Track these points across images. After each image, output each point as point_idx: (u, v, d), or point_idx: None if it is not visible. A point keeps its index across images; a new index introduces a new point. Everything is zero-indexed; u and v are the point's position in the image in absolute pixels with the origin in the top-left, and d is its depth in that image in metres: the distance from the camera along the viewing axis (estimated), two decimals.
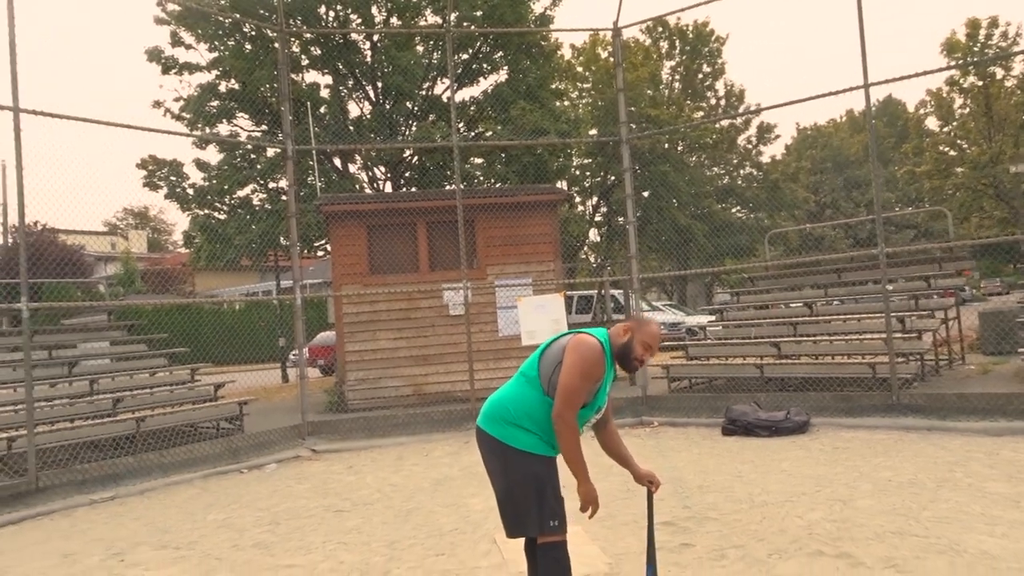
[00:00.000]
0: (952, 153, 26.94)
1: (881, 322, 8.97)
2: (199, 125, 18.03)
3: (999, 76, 24.95)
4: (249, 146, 17.55)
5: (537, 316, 9.65)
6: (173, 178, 18.48)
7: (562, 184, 24.17)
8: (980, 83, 25.04)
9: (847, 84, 8.39)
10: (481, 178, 18.56)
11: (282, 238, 17.70)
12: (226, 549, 5.19)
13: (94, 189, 7.88)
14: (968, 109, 25.91)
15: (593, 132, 24.72)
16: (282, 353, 20.64)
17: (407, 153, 19.03)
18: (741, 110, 31.81)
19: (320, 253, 20.32)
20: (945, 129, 27.50)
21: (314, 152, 11.20)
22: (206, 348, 16.46)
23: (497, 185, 17.29)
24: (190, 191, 18.47)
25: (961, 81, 25.22)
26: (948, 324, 10.97)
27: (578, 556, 4.63)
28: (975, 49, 24.70)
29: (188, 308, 24.92)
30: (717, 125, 29.11)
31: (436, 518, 5.69)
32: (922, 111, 29.27)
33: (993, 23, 24.28)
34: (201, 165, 18.08)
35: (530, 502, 3.13)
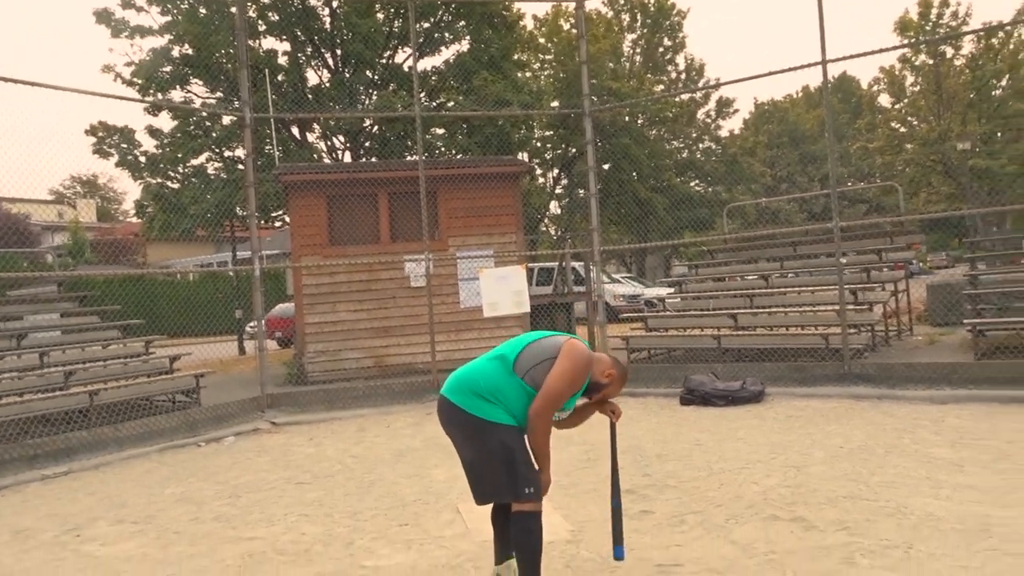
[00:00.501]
0: (903, 130, 27.50)
1: (834, 294, 9.18)
2: (151, 91, 17.54)
3: (949, 55, 25.46)
4: (204, 113, 17.12)
5: (499, 287, 9.66)
6: (124, 145, 17.99)
7: (524, 156, 24.13)
8: (931, 61, 25.53)
9: (805, 60, 8.47)
10: (443, 149, 18.43)
11: (239, 208, 17.39)
12: (185, 522, 5.15)
13: (41, 156, 7.63)
14: (919, 87, 26.42)
15: (555, 104, 24.66)
16: (239, 325, 20.35)
17: (367, 123, 18.77)
18: (701, 84, 32.01)
19: (278, 224, 20.02)
20: (897, 106, 28.03)
21: (272, 120, 10.97)
22: (160, 320, 16.17)
23: (459, 156, 17.17)
24: (142, 159, 18.00)
25: (913, 59, 25.68)
26: (898, 296, 11.28)
27: (544, 524, 4.70)
28: (927, 28, 25.14)
29: (141, 279, 24.40)
30: (677, 99, 29.23)
31: (398, 489, 5.70)
32: (875, 87, 29.72)
33: (944, 2, 24.70)
34: (154, 132, 17.63)
35: (501, 470, 3.18)
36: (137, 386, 9.10)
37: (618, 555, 3.48)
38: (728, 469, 5.67)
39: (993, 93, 25.36)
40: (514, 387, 3.23)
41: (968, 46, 25.11)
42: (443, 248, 11.48)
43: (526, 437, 3.26)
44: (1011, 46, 24.83)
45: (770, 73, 8.71)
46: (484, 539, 4.41)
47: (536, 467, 3.25)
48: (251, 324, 18.21)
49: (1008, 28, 24.57)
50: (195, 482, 6.33)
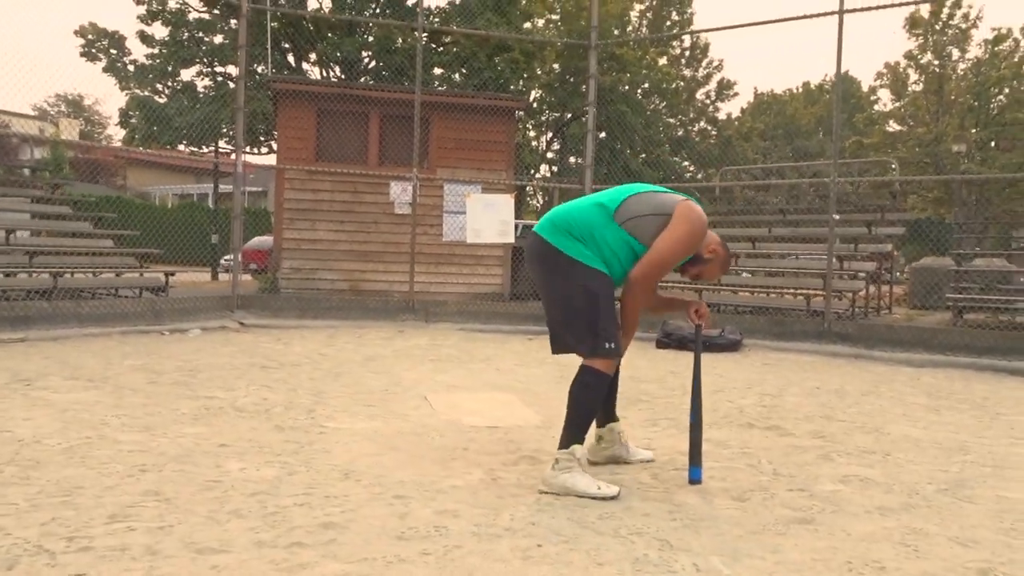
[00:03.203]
0: (901, 129, 27.49)
1: (818, 262, 9.12)
2: None
3: (955, 57, 25.43)
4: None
5: (485, 214, 9.47)
6: (114, 51, 17.47)
7: (519, 114, 23.84)
8: (936, 62, 25.47)
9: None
10: (440, 88, 18.08)
11: (225, 127, 16.97)
12: (142, 384, 4.95)
13: (23, 60, 7.25)
14: (921, 86, 26.37)
15: (556, 66, 24.30)
16: (214, 252, 19.96)
17: (365, 56, 18.37)
18: (704, 63, 31.78)
19: (264, 150, 19.59)
20: (896, 104, 27.99)
21: (268, 30, 10.59)
22: (134, 245, 15.75)
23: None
24: (131, 67, 17.50)
25: (919, 57, 25.60)
26: (881, 273, 11.25)
27: (513, 414, 4.58)
28: (936, 27, 25.05)
29: (118, 201, 23.86)
30: (678, 75, 28.99)
31: (366, 381, 5.54)
32: (878, 82, 29.65)
33: (956, 4, 24.60)
34: (146, 38, 17.10)
35: (583, 317, 2.92)
36: (105, 277, 8.85)
37: (695, 476, 3.13)
38: (704, 391, 5.57)
39: (993, 101, 25.37)
40: (613, 233, 2.94)
41: (975, 50, 25.09)
42: (431, 177, 11.24)
43: (621, 296, 3.02)
44: (1017, 56, 24.83)
45: (781, 20, 8.53)
46: (451, 419, 4.28)
47: (614, 325, 2.97)
48: (227, 257, 17.75)
49: (1017, 37, 24.61)
50: (156, 359, 6.12)
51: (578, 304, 2.93)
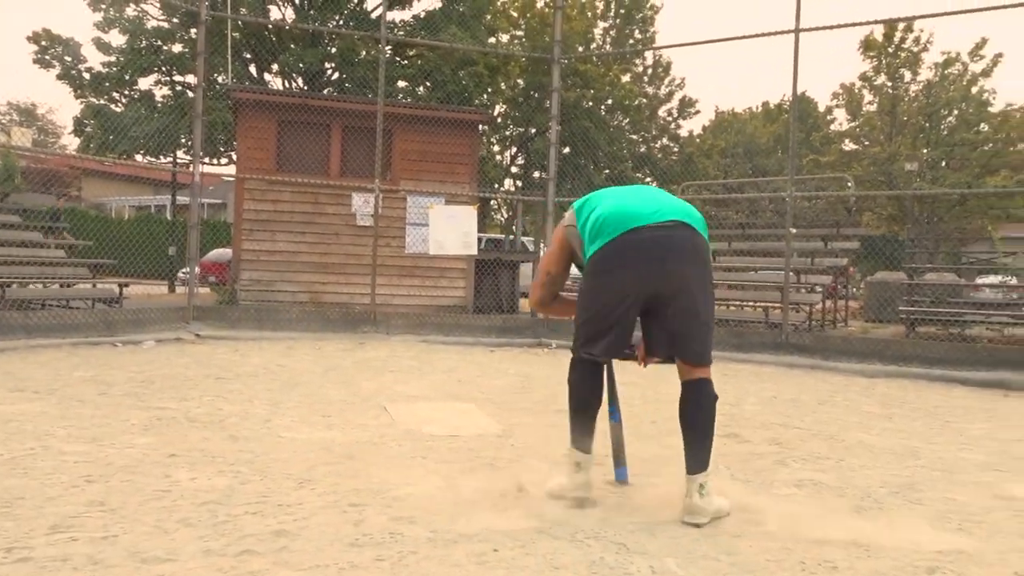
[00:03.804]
0: (856, 147, 28.13)
1: (776, 275, 9.27)
2: (104, 5, 16.74)
3: (907, 79, 26.13)
4: (157, 2, 16.07)
5: (448, 226, 9.45)
6: (69, 58, 17.13)
7: (483, 128, 23.89)
8: (889, 83, 26.15)
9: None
10: (404, 100, 18.07)
11: (183, 137, 16.72)
12: (92, 396, 4.82)
13: None
14: (875, 106, 27.04)
15: (520, 82, 24.43)
16: (171, 264, 19.59)
17: (328, 68, 18.28)
18: (667, 81, 32.23)
19: (224, 161, 19.33)
20: (852, 124, 28.66)
21: (228, 39, 10.48)
22: (89, 257, 15.35)
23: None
24: (87, 75, 17.18)
25: (873, 78, 26.26)
26: (837, 287, 11.47)
27: (473, 423, 4.55)
28: (889, 50, 25.73)
29: (73, 212, 23.30)
30: (641, 92, 29.35)
31: (324, 391, 5.47)
32: (834, 102, 30.33)
33: (908, 28, 25.30)
34: (102, 46, 16.80)
35: (712, 325, 2.85)
36: (55, 289, 8.63)
37: (620, 476, 3.16)
38: (661, 400, 5.58)
39: (943, 122, 26.12)
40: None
41: (926, 73, 25.80)
42: (394, 189, 11.19)
43: None
44: (965, 79, 25.59)
45: (740, 37, 8.70)
46: (409, 428, 4.24)
47: None
48: (184, 269, 17.41)
49: (964, 61, 25.38)
50: (107, 370, 5.97)
51: (712, 310, 2.85)
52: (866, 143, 28.03)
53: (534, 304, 3.34)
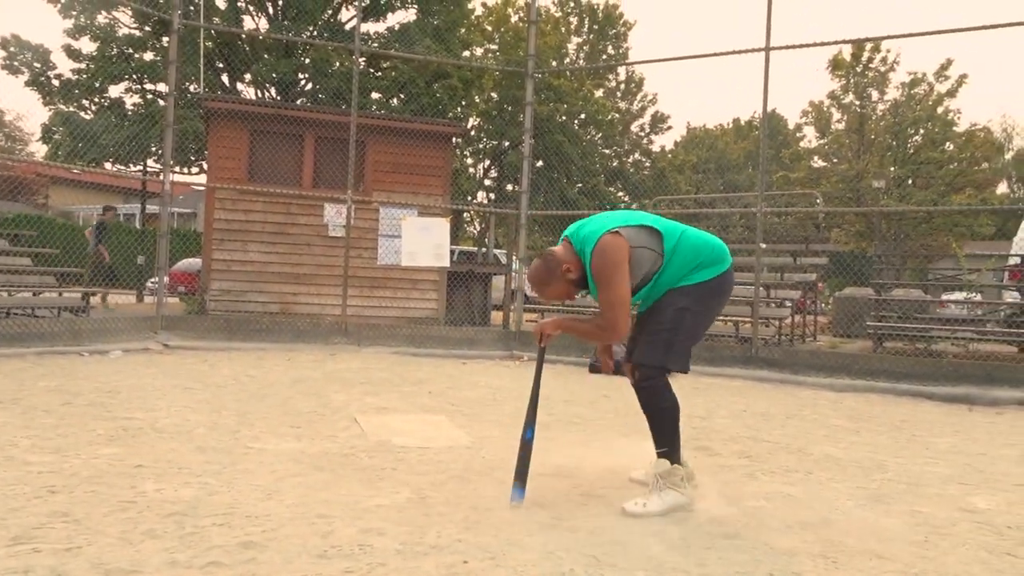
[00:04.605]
0: (825, 164, 28.63)
1: (746, 290, 9.37)
2: (74, 12, 16.55)
3: (874, 98, 26.69)
4: (128, 10, 15.89)
5: (420, 238, 9.44)
6: (38, 65, 16.90)
7: (457, 141, 23.93)
8: (858, 102, 26.68)
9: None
10: (378, 112, 18.05)
11: (153, 146, 16.55)
12: (56, 406, 4.73)
13: None
14: (843, 124, 27.56)
15: (495, 95, 24.54)
16: (140, 273, 19.30)
17: (301, 79, 18.22)
18: (639, 96, 32.56)
19: (195, 170, 19.15)
20: (821, 141, 29.18)
21: (201, 48, 10.40)
22: (56, 266, 15.11)
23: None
24: (56, 81, 16.95)
25: (842, 97, 26.78)
26: (806, 302, 11.62)
27: (444, 435, 4.53)
28: (857, 70, 26.27)
29: (38, 220, 22.90)
30: (614, 107, 29.61)
31: (294, 403, 5.42)
32: (803, 119, 30.85)
33: (876, 48, 25.86)
34: (72, 53, 16.59)
35: None
36: (20, 297, 8.47)
37: (516, 498, 3.02)
38: (634, 413, 5.60)
39: (909, 141, 26.67)
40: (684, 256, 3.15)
41: (893, 92, 26.37)
42: (366, 201, 11.14)
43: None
44: (931, 99, 26.18)
45: (711, 54, 8.82)
46: (380, 440, 4.21)
47: None
48: (152, 280, 17.19)
49: (930, 81, 25.96)
50: (73, 380, 5.86)
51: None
52: (835, 160, 28.55)
53: (624, 332, 3.24)
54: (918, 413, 6.48)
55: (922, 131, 26.30)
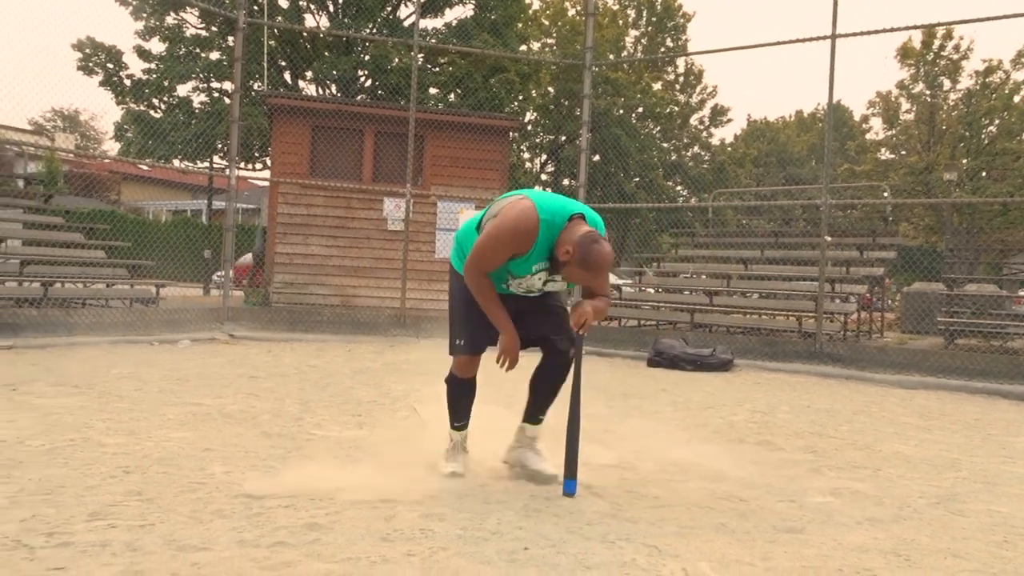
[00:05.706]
0: (893, 157, 27.74)
1: (809, 284, 9.15)
2: (145, 14, 17.09)
3: (946, 87, 25.72)
4: (196, 10, 16.34)
5: None
6: (111, 65, 17.50)
7: (514, 135, 23.96)
8: (928, 92, 25.76)
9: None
10: (436, 106, 18.18)
11: (219, 143, 16.98)
12: (129, 391, 4.90)
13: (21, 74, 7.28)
14: (912, 115, 26.65)
15: (551, 89, 24.47)
16: (207, 267, 19.87)
17: (361, 75, 18.47)
18: (699, 89, 32.05)
19: (259, 166, 19.59)
20: (889, 132, 28.27)
21: (265, 51, 10.63)
22: (127, 258, 15.67)
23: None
24: (127, 81, 17.52)
25: (911, 86, 25.89)
26: (872, 298, 11.29)
27: (502, 426, 4.52)
28: (928, 58, 25.36)
29: (112, 215, 23.74)
30: (672, 100, 29.20)
31: (354, 392, 5.50)
32: (870, 111, 29.92)
33: (948, 34, 24.93)
34: (143, 53, 17.14)
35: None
36: (96, 288, 8.79)
37: (568, 490, 2.98)
38: (693, 407, 5.56)
39: (984, 131, 25.63)
40: (471, 240, 3.02)
41: (966, 81, 25.38)
42: (425, 195, 11.24)
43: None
44: (1008, 87, 25.12)
45: (774, 43, 8.62)
46: (439, 429, 4.23)
47: (469, 325, 3.26)
48: (219, 273, 17.69)
49: (1007, 69, 24.90)
50: (144, 368, 6.06)
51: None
52: (903, 152, 27.63)
53: None
54: (993, 412, 6.23)
55: (997, 121, 25.24)
